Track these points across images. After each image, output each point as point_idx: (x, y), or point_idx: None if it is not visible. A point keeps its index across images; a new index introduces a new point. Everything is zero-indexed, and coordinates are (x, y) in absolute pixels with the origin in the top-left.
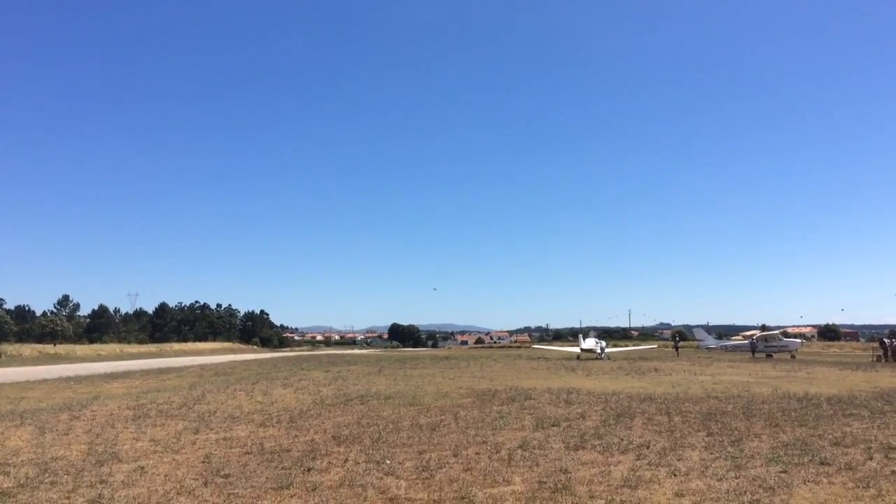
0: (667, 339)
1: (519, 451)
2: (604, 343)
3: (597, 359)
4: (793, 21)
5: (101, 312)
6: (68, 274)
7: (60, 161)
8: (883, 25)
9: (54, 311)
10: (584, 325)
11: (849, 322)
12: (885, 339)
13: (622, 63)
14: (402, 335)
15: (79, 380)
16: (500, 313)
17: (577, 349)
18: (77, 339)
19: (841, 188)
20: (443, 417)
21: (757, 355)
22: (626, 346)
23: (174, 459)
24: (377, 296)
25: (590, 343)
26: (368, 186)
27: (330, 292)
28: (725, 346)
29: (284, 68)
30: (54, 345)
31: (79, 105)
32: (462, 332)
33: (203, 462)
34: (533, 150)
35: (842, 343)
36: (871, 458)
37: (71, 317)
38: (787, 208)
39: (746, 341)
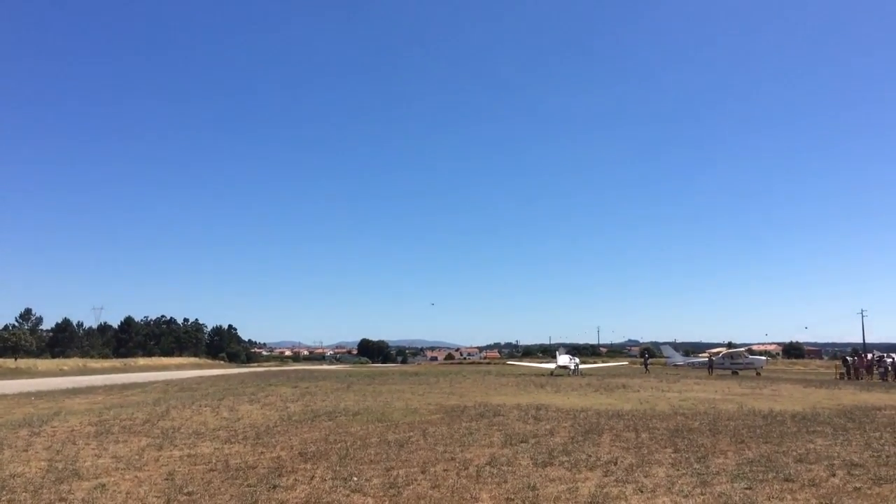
0: (635, 356)
1: (487, 468)
2: (577, 360)
3: (569, 375)
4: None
5: (64, 326)
6: (31, 286)
7: (21, 170)
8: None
9: (16, 324)
10: (553, 342)
11: (812, 340)
12: (847, 357)
13: (598, 72)
14: (372, 351)
15: (40, 395)
16: (469, 329)
17: (551, 366)
18: (39, 353)
19: (805, 208)
20: (411, 434)
21: (715, 371)
22: (596, 362)
23: (136, 476)
24: (346, 311)
25: (564, 360)
26: (337, 201)
27: (299, 307)
28: (692, 362)
29: (268, 70)
30: (15, 359)
31: (38, 110)
32: (432, 348)
33: (166, 479)
34: (501, 166)
35: (806, 361)
36: (833, 475)
37: (33, 330)
38: (753, 228)
39: None
